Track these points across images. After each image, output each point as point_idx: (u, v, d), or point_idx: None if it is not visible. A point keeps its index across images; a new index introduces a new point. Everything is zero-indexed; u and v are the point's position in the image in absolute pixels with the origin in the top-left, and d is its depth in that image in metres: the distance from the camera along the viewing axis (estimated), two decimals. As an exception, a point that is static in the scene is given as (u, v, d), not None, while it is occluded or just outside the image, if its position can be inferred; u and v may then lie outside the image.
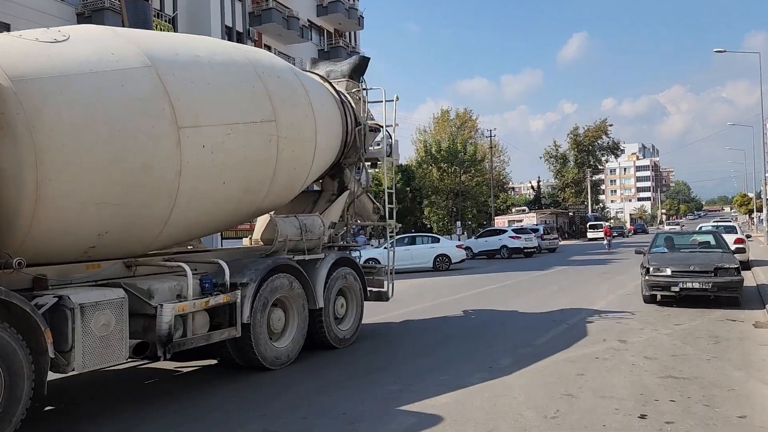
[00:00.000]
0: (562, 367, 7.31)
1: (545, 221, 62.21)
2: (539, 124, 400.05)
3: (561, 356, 7.87)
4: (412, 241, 25.78)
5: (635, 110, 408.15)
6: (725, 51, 37.29)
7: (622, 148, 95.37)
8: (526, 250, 33.88)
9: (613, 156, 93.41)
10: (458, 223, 46.82)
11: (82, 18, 33.04)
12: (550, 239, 39.59)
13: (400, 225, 44.41)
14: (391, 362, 7.99)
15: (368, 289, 10.00)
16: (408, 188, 61.94)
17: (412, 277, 21.67)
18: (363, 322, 9.70)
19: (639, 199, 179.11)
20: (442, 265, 25.03)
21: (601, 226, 70.37)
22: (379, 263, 25.28)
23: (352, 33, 49.13)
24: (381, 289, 10.58)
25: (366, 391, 6.54)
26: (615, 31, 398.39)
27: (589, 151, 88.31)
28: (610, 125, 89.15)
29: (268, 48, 39.04)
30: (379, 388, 6.64)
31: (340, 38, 45.98)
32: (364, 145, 9.95)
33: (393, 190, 10.73)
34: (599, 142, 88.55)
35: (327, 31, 45.94)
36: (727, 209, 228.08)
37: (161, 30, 29.56)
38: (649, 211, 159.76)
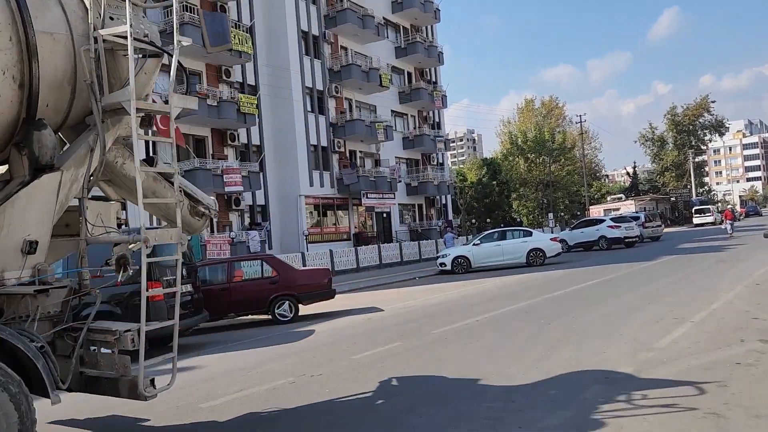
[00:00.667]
0: (696, 374, 6.03)
1: (644, 208, 58.47)
2: (630, 108, 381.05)
3: (693, 362, 6.56)
4: (503, 236, 24.43)
5: (738, 85, 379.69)
6: None
7: (727, 125, 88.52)
8: (627, 240, 31.57)
9: (717, 134, 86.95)
10: (550, 215, 44.68)
11: (165, 35, 34.45)
12: (653, 227, 36.83)
13: (474, 220, 42.69)
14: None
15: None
16: (494, 182, 60.31)
17: (503, 274, 20.42)
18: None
19: (748, 180, 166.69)
20: (535, 260, 23.53)
21: (708, 211, 65.62)
22: (469, 260, 24.65)
23: (429, 27, 48.16)
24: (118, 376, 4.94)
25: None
26: (708, 3, 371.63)
27: (690, 131, 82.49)
28: (713, 102, 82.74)
29: (345, 49, 38.85)
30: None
31: (417, 33, 45.10)
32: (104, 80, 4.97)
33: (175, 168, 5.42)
34: (700, 120, 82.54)
35: (403, 27, 45.27)
36: None
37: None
38: (761, 192, 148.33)
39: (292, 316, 12.77)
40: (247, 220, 31.97)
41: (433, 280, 21.59)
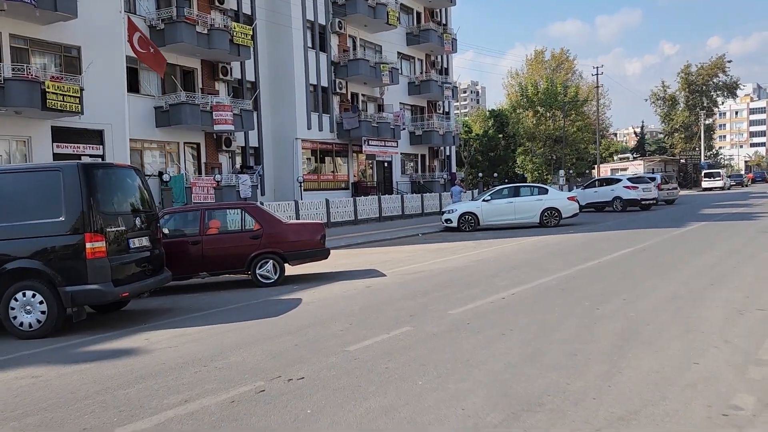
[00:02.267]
0: None
1: (653, 169, 56.37)
2: (636, 67, 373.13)
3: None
4: (516, 193, 22.27)
5: (746, 49, 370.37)
6: None
7: (741, 87, 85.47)
8: (644, 203, 29.52)
9: (731, 96, 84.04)
10: (561, 172, 42.32)
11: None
12: (668, 189, 34.70)
13: (480, 174, 40.44)
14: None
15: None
16: (501, 135, 57.72)
17: (516, 234, 18.36)
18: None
19: (752, 145, 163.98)
20: (550, 220, 21.49)
21: (718, 175, 63.42)
22: (477, 217, 22.55)
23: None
24: None
25: None
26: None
27: (703, 91, 79.64)
28: (729, 61, 79.49)
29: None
30: None
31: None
32: None
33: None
34: (714, 81, 79.50)
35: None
36: None
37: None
38: (765, 157, 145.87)
39: (276, 278, 10.73)
40: (238, 163, 29.69)
41: (438, 238, 19.55)
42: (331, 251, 15.78)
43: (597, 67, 48.32)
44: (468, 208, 22.04)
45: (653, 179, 32.87)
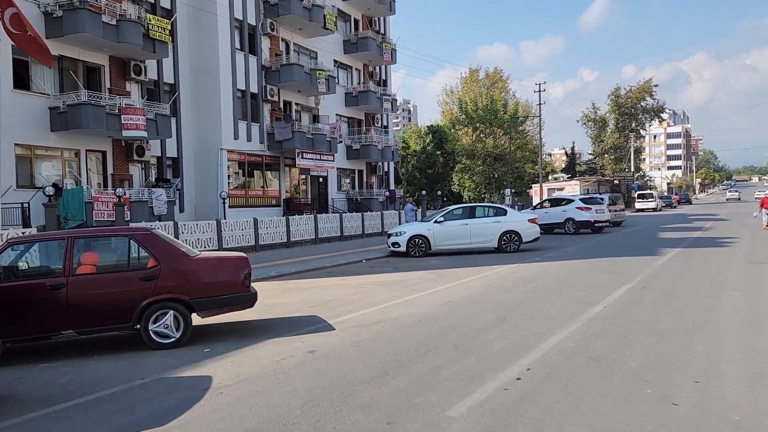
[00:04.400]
0: None
1: (587, 190, 56.02)
2: (558, 91, 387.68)
3: None
4: (471, 214, 19.78)
5: (657, 78, 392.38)
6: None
7: (667, 111, 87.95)
8: (597, 225, 27.83)
9: (657, 120, 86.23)
10: (507, 191, 40.53)
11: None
12: (616, 211, 33.32)
13: (424, 192, 38.26)
14: None
15: None
16: (439, 152, 55.70)
17: (477, 262, 15.70)
18: None
19: (669, 168, 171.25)
20: (509, 244, 19.13)
21: (651, 196, 64.00)
22: (428, 241, 19.93)
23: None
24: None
25: None
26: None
27: (631, 114, 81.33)
28: (655, 86, 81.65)
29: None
30: None
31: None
32: None
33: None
34: (642, 104, 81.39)
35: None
36: (755, 179, 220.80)
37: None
38: (675, 180, 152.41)
39: (178, 336, 7.54)
40: (153, 176, 25.93)
41: (387, 266, 16.70)
42: (260, 285, 12.69)
43: (539, 84, 47.30)
44: (418, 231, 19.35)
45: (602, 200, 31.36)
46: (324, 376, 5.98)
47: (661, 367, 5.92)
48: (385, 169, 42.49)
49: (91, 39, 21.50)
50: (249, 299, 8.03)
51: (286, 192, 32.45)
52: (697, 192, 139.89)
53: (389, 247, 19.66)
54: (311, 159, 31.72)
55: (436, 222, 19.35)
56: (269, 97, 30.56)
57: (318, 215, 26.49)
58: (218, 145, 27.77)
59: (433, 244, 19.10)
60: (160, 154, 26.07)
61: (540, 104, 46.97)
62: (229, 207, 27.29)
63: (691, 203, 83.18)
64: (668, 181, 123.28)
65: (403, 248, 19.14)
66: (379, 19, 42.22)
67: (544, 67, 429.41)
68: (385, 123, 42.61)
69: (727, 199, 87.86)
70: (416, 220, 24.77)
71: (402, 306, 9.91)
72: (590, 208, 27.73)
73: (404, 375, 5.87)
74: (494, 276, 13.38)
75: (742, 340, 6.95)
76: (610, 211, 31.90)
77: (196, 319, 7.98)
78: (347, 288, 12.53)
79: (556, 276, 13.02)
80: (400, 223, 28.95)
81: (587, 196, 30.77)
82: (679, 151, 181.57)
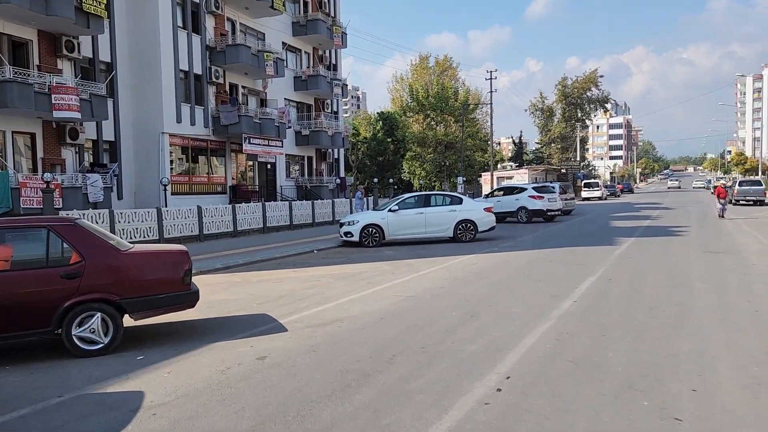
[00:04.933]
0: None
1: (536, 178, 56.52)
2: (504, 81, 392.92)
3: None
4: (426, 202, 19.18)
5: (599, 70, 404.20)
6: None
7: (612, 101, 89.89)
8: (549, 213, 27.78)
9: (602, 110, 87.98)
10: (460, 179, 40.24)
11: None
12: (566, 199, 33.42)
13: (376, 179, 37.58)
14: None
15: None
16: (390, 139, 55.01)
17: (432, 252, 15.09)
18: None
19: (611, 158, 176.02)
20: (465, 234, 18.66)
21: (597, 185, 65.24)
22: (382, 230, 19.26)
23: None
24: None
25: None
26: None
27: (577, 104, 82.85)
28: (601, 76, 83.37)
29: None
30: None
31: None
32: None
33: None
34: (588, 94, 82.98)
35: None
36: (690, 169, 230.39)
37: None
38: (618, 170, 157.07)
39: (107, 341, 6.61)
40: (88, 160, 24.30)
41: (340, 257, 15.92)
42: (204, 278, 11.75)
43: (491, 71, 47.13)
44: (372, 220, 18.64)
45: (554, 189, 31.38)
46: (277, 389, 5.19)
47: (650, 372, 5.40)
48: (336, 156, 41.56)
49: (16, 10, 19.75)
50: (189, 299, 7.13)
51: (233, 179, 31.16)
52: (637, 181, 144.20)
53: (341, 236, 18.89)
54: (259, 145, 30.51)
55: (390, 211, 18.66)
56: (214, 79, 29.15)
57: (266, 203, 25.42)
58: (159, 128, 26.27)
59: (387, 234, 18.43)
60: (96, 138, 24.43)
61: (491, 92, 46.86)
62: (172, 194, 25.89)
63: (633, 192, 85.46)
64: (611, 171, 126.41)
65: (356, 238, 18.40)
66: (329, 1, 41.03)
67: (491, 56, 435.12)
68: (335, 109, 41.61)
69: (668, 188, 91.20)
70: (364, 209, 24.08)
71: (360, 302, 9.18)
72: (543, 197, 27.62)
73: (369, 387, 5.15)
74: (453, 267, 12.81)
75: (725, 338, 6.53)
76: (561, 199, 32.03)
77: (129, 321, 7.04)
78: (300, 281, 11.70)
79: (517, 267, 12.55)
80: (351, 212, 28.17)
81: (540, 185, 30.69)
82: (620, 141, 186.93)
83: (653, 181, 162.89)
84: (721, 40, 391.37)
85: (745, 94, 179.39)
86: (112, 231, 17.59)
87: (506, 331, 6.96)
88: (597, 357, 5.86)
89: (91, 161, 24.36)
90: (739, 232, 19.59)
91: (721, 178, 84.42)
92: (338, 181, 38.47)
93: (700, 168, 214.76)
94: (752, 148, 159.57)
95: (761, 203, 38.13)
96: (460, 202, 19.32)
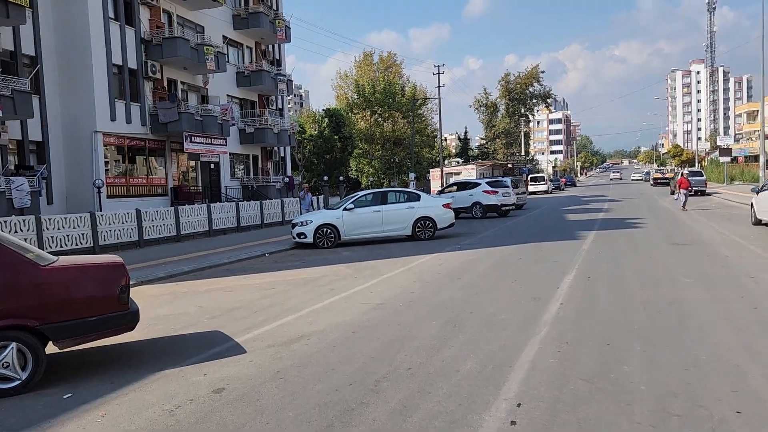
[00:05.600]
0: None
1: (483, 174, 56.57)
2: (445, 78, 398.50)
3: None
4: (383, 199, 18.31)
5: (539, 67, 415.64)
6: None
7: (554, 96, 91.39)
8: (504, 208, 27.41)
9: (544, 105, 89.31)
10: (412, 175, 39.55)
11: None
12: (518, 194, 33.23)
13: (326, 177, 36.57)
14: None
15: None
16: (337, 136, 53.89)
17: (392, 251, 14.23)
18: None
19: (552, 152, 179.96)
20: (424, 231, 17.90)
21: (542, 179, 65.96)
22: (337, 230, 18.25)
23: (275, 46, 39.75)
24: None
25: None
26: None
27: (520, 99, 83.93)
28: (542, 72, 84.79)
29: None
30: None
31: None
32: None
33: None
34: (530, 90, 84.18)
35: None
36: (625, 162, 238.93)
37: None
38: (559, 164, 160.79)
39: (25, 377, 5.42)
40: (12, 162, 22.31)
41: (294, 260, 14.85)
42: (145, 290, 10.50)
43: (438, 66, 46.66)
44: (326, 219, 17.62)
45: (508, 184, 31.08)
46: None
47: (679, 390, 4.67)
48: (282, 155, 40.23)
49: None
50: (127, 320, 5.99)
51: (174, 180, 29.48)
52: (579, 175, 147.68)
53: (294, 237, 17.80)
54: (201, 143, 28.95)
55: (345, 209, 17.69)
56: (151, 74, 27.43)
57: (212, 205, 23.99)
58: (92, 127, 24.44)
59: (342, 234, 17.47)
60: (20, 138, 22.46)
61: (439, 86, 46.36)
62: (108, 197, 24.14)
63: (575, 185, 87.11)
64: (553, 165, 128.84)
65: (309, 239, 17.36)
66: (270, -7, 39.58)
67: (432, 54, 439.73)
68: (280, 105, 40.29)
69: (611, 179, 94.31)
70: (311, 209, 23.04)
71: (325, 312, 8.20)
72: (497, 192, 27.24)
73: (358, 428, 4.20)
74: (419, 269, 11.96)
75: (738, 342, 5.91)
76: (513, 194, 31.77)
77: (54, 349, 5.86)
78: (254, 289, 10.61)
79: (488, 266, 11.81)
80: (301, 212, 27.03)
81: (493, 180, 30.29)
82: (560, 136, 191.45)
83: (592, 175, 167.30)
84: (650, 38, 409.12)
85: (675, 89, 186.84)
86: (39, 239, 15.96)
87: (499, 344, 6.14)
88: (612, 373, 5.10)
89: (16, 163, 22.39)
90: (695, 223, 19.55)
91: (659, 169, 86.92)
92: (286, 180, 37.16)
93: (635, 161, 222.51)
94: (683, 140, 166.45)
95: (703, 193, 39.01)
96: (418, 198, 18.52)
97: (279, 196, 33.10)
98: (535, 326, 6.80)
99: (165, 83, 28.91)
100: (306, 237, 17.44)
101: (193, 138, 28.15)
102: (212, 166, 32.07)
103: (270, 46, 39.43)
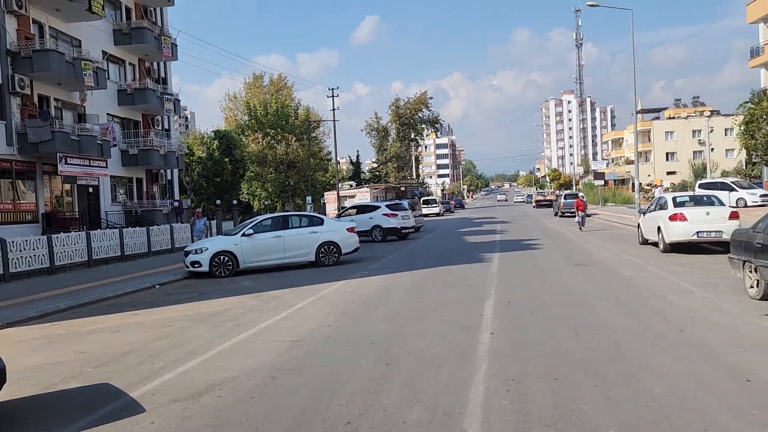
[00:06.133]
0: None
1: (377, 197, 56.82)
2: (336, 102, 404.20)
3: None
4: (285, 224, 17.40)
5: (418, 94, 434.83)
6: (596, 5, 33.81)
7: (441, 122, 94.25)
8: (403, 231, 27.26)
9: (433, 129, 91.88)
10: (309, 199, 38.61)
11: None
12: (415, 216, 33.37)
13: (218, 201, 34.95)
14: None
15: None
16: (228, 159, 51.89)
17: (297, 279, 13.41)
18: None
19: (439, 176, 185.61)
20: (328, 257, 17.19)
21: (434, 202, 67.38)
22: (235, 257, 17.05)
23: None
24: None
25: None
26: (406, 16, 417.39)
27: (410, 124, 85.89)
28: (430, 98, 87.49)
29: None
30: None
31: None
32: None
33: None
34: (419, 115, 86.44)
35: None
36: (507, 185, 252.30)
37: None
38: (447, 188, 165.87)
39: None
40: None
41: (190, 291, 13.56)
42: (12, 334, 8.95)
43: (332, 89, 46.37)
44: (223, 246, 16.44)
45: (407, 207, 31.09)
46: None
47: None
48: (169, 177, 37.93)
49: None
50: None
51: (46, 205, 26.69)
52: (465, 197, 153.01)
53: (187, 266, 16.44)
54: (78, 165, 26.49)
55: (244, 235, 16.59)
56: (19, 90, 24.76)
57: (91, 232, 21.82)
58: (-54, 146, 21.55)
59: (241, 261, 16.35)
60: None
61: (334, 109, 46.08)
62: (-35, 225, 21.28)
63: (464, 208, 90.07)
64: (442, 188, 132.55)
65: (205, 267, 16.08)
66: (155, 9, 37.52)
67: (322, 79, 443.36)
68: (167, 126, 38.07)
69: (498, 200, 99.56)
70: (206, 235, 21.65)
71: (235, 354, 7.25)
72: (397, 215, 27.11)
73: None
74: (331, 298, 11.21)
75: (683, 370, 5.70)
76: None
77: None
78: (146, 328, 9.36)
79: (404, 294, 11.28)
80: (192, 239, 25.35)
81: (393, 203, 30.18)
82: (447, 161, 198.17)
83: (478, 197, 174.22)
84: (524, 69, 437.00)
85: (549, 117, 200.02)
86: None
87: (441, 384, 5.55)
88: (573, 414, 4.64)
89: None
90: (587, 243, 20.25)
91: (541, 192, 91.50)
92: (175, 204, 35.00)
93: (516, 184, 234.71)
94: (558, 164, 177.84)
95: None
96: (321, 222, 17.81)
97: (167, 222, 31.01)
98: (473, 361, 6.29)
99: (36, 99, 26.25)
100: (201, 266, 16.14)
101: (68, 159, 25.68)
102: (91, 189, 29.48)
103: (155, 64, 37.28)
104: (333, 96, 45.87)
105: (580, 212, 26.52)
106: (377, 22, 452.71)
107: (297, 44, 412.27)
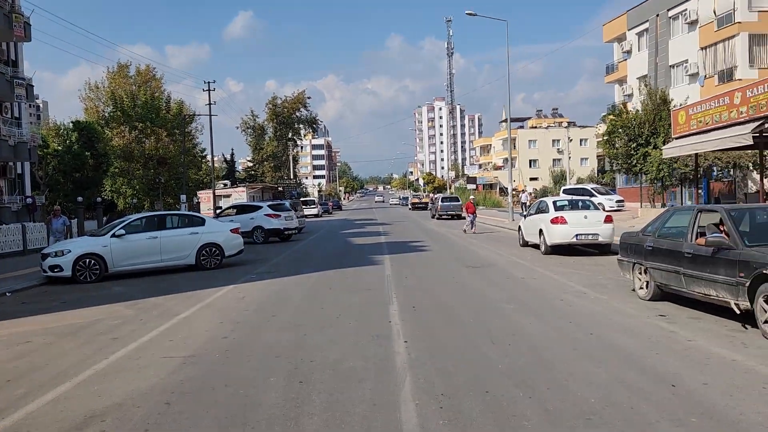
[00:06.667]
0: None
1: (253, 197, 55.15)
2: (205, 99, 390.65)
3: None
4: (161, 224, 15.93)
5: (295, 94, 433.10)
6: (475, 14, 34.94)
7: (320, 122, 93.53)
8: (286, 232, 26.33)
9: (311, 129, 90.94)
10: (183, 197, 36.27)
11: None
12: (298, 217, 32.47)
13: (80, 199, 32.12)
14: None
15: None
16: (89, 153, 47.69)
17: (177, 285, 12.28)
18: None
19: (315, 177, 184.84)
20: (210, 259, 16.03)
21: (313, 203, 66.64)
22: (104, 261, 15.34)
23: (11, 44, 33.72)
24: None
25: None
26: (281, 14, 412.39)
27: (288, 123, 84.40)
28: (308, 98, 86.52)
29: None
30: None
31: None
32: None
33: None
34: (297, 114, 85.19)
35: None
36: (380, 188, 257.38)
37: None
38: (324, 189, 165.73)
39: None
40: None
41: (49, 300, 11.89)
42: None
43: (209, 82, 44.05)
44: (89, 249, 14.72)
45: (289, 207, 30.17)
46: None
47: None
48: (19, 171, 34.07)
49: None
50: None
51: None
52: (342, 199, 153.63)
53: (45, 271, 14.55)
54: None
55: (114, 236, 14.97)
56: None
57: None
58: None
59: (111, 265, 14.73)
60: None
61: (210, 104, 43.75)
62: None
63: (342, 209, 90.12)
64: (318, 189, 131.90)
65: (67, 272, 14.31)
66: (5, -17, 33.49)
67: (193, 73, 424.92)
68: (17, 114, 34.16)
69: (376, 202, 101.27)
70: (65, 236, 19.48)
71: (116, 375, 6.20)
72: (279, 215, 26.15)
73: None
74: (221, 305, 10.24)
75: (608, 375, 5.58)
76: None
77: None
78: (2, 347, 7.92)
79: (301, 299, 10.56)
80: (49, 240, 22.75)
81: (275, 203, 29.07)
82: (323, 162, 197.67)
83: (354, 199, 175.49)
84: (397, 75, 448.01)
85: (422, 123, 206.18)
86: None
87: (367, 404, 4.98)
88: (520, 432, 4.28)
89: None
90: (472, 245, 20.57)
91: (416, 195, 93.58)
92: (28, 201, 31.43)
93: (389, 186, 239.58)
94: (429, 168, 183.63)
95: (459, 216, 42.42)
96: (202, 223, 16.56)
97: (17, 220, 27.71)
98: (395, 374, 5.79)
99: None
100: (62, 270, 14.34)
101: None
102: None
103: (4, 44, 33.31)
104: (209, 90, 43.60)
105: (470, 215, 26.90)
106: (251, 18, 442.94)
107: (166, 36, 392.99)
